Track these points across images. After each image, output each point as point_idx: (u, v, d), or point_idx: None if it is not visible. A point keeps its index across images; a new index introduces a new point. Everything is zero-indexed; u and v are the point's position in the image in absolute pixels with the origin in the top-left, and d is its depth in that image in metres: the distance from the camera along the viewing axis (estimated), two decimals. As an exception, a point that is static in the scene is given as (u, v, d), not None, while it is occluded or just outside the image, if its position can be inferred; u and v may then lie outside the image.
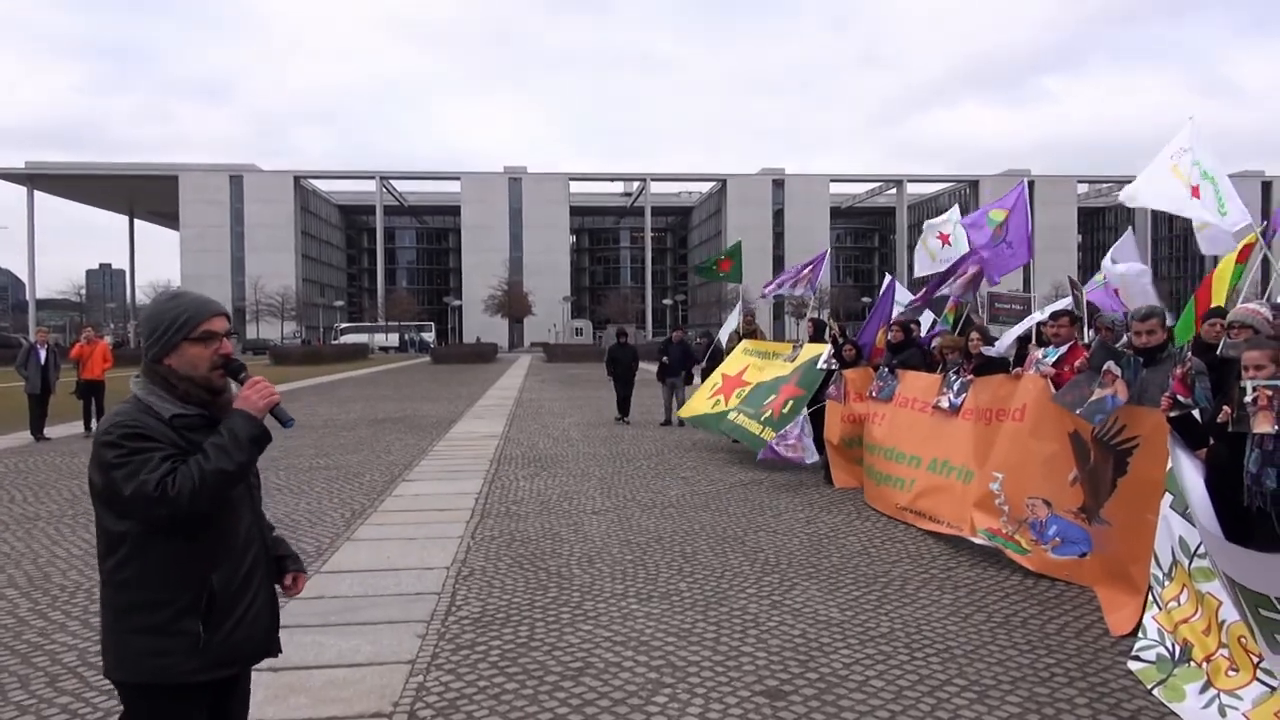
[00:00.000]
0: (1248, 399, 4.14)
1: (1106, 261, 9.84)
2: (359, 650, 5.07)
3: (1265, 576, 3.55)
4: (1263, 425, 4.08)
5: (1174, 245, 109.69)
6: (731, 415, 12.61)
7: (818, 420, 11.00)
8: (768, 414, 11.73)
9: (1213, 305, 7.41)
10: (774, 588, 6.25)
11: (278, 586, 2.77)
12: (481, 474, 11.37)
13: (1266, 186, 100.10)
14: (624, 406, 18.08)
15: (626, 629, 5.40)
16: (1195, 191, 7.34)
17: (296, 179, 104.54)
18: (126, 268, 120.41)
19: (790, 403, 11.41)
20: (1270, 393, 4.06)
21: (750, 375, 13.61)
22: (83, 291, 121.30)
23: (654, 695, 4.41)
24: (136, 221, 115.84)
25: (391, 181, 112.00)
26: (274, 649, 2.70)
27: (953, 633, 5.31)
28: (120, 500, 2.35)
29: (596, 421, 18.01)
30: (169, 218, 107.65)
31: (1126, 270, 9.24)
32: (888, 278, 13.42)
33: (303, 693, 4.45)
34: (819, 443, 10.75)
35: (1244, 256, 7.48)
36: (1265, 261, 7.54)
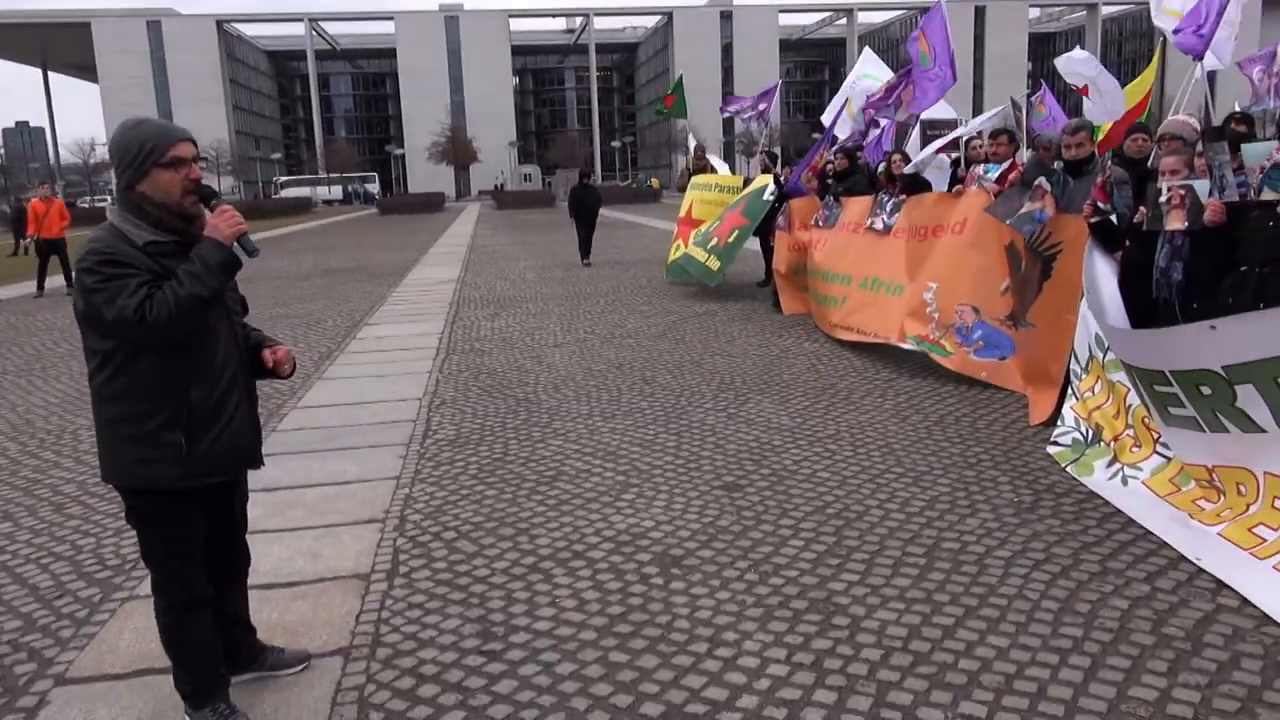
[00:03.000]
0: (1162, 199, 4.49)
1: (1062, 61, 9.91)
2: (346, 470, 5.43)
3: (1158, 352, 3.98)
4: (1174, 223, 4.45)
5: (1123, 70, 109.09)
6: (687, 249, 12.90)
7: (769, 252, 11.31)
8: (714, 242, 12.04)
9: (1136, 120, 7.69)
10: (729, 402, 6.70)
11: (269, 359, 2.90)
12: (442, 316, 11.60)
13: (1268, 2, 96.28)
14: (586, 249, 17.71)
15: (594, 442, 5.81)
16: None
17: (219, 23, 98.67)
18: (46, 125, 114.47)
19: (736, 231, 11.72)
20: (1183, 192, 4.40)
21: (699, 212, 13.81)
22: (1, 152, 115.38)
23: (622, 494, 4.85)
24: (52, 75, 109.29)
25: (322, 24, 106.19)
26: (256, 462, 2.91)
27: (893, 432, 5.81)
28: (103, 323, 2.49)
29: (551, 264, 18.15)
30: (87, 70, 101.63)
31: (1087, 67, 9.39)
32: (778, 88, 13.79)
33: (299, 507, 4.82)
34: (768, 272, 11.10)
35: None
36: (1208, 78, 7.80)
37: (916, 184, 8.69)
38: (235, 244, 2.64)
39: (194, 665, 2.79)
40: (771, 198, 11.42)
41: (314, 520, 4.64)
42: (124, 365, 2.57)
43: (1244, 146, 4.56)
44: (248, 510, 3.07)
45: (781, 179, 11.74)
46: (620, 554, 4.06)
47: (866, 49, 13.01)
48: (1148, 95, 7.53)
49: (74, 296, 2.58)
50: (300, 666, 3.17)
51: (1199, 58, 7.32)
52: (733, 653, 3.19)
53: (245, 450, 2.83)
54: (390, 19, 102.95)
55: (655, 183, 70.97)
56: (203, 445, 2.65)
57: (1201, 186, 4.37)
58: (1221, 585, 3.53)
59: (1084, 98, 9.62)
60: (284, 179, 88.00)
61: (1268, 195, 3.95)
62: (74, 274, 2.55)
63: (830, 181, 10.50)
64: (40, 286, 15.47)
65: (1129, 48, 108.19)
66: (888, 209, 8.36)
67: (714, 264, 11.90)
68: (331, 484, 5.19)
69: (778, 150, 20.04)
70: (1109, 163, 5.52)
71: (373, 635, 3.42)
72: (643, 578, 3.82)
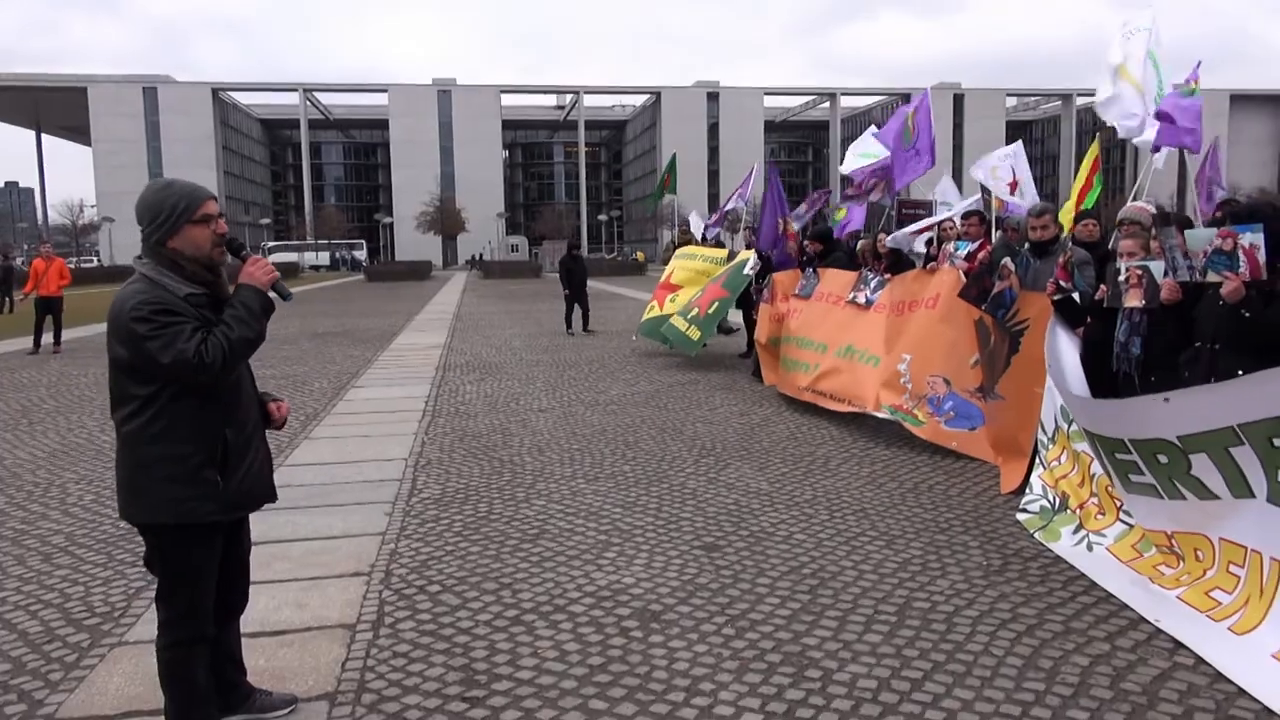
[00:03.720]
0: (1121, 279, 4.75)
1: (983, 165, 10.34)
2: (332, 526, 5.52)
3: (1118, 422, 4.19)
4: (1132, 300, 4.71)
5: (1102, 158, 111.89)
6: (669, 320, 13.20)
7: (752, 325, 11.59)
8: (694, 312, 12.36)
9: (1080, 209, 8.07)
10: (710, 467, 6.85)
11: (275, 411, 3.18)
12: (429, 380, 11.75)
13: (1235, 99, 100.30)
14: (571, 318, 17.87)
15: (577, 503, 5.94)
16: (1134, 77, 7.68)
17: (214, 91, 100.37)
18: (36, 186, 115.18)
19: (716, 303, 12.03)
20: (1140, 272, 4.68)
21: (678, 278, 14.21)
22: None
23: (604, 552, 4.97)
24: (44, 137, 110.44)
25: (315, 94, 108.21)
26: (273, 495, 3.14)
27: (868, 497, 5.97)
28: (157, 368, 2.68)
29: (538, 333, 18.38)
30: (79, 133, 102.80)
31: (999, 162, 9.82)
32: (757, 168, 14.30)
33: (285, 560, 4.90)
34: (750, 343, 11.37)
35: (1095, 170, 8.26)
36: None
37: (900, 263, 9.01)
38: (270, 290, 2.90)
39: (190, 703, 2.87)
40: (752, 272, 11.75)
41: (300, 573, 4.72)
42: (166, 408, 2.74)
43: (1188, 232, 4.84)
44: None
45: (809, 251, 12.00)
46: (601, 608, 4.17)
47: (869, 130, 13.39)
48: (1087, 184, 8.02)
49: (112, 346, 2.74)
50: (287, 709, 3.25)
51: (1154, 149, 7.70)
52: (709, 702, 3.29)
53: (266, 484, 3.06)
54: (384, 91, 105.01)
55: (641, 256, 71.86)
56: (235, 481, 2.86)
57: (1157, 267, 4.64)
58: (1179, 645, 3.68)
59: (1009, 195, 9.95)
60: (272, 243, 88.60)
61: (1212, 278, 4.21)
62: (119, 325, 2.70)
63: (807, 257, 10.86)
64: (37, 343, 15.53)
65: (1103, 137, 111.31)
66: (872, 285, 8.65)
67: (694, 334, 12.19)
68: (318, 539, 5.28)
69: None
70: (1070, 245, 5.81)
71: (358, 681, 3.51)
72: (623, 631, 3.92)
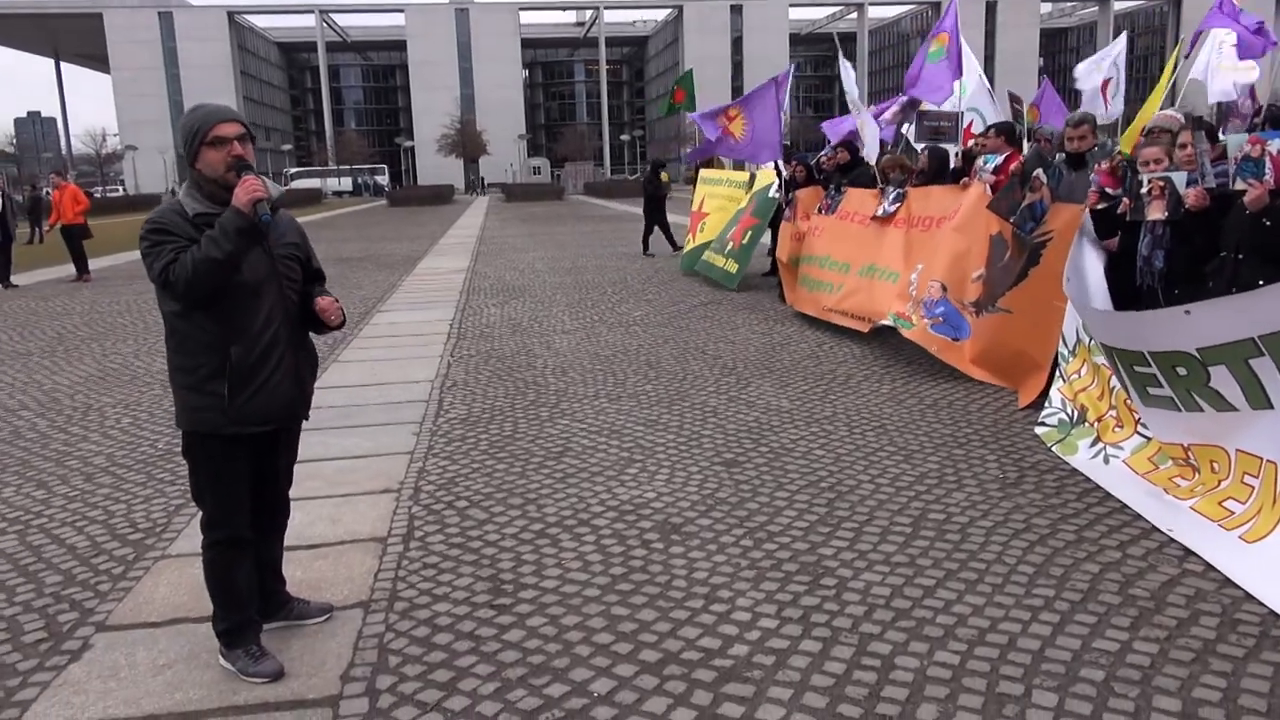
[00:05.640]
0: (1144, 190, 4.68)
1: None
2: (361, 446, 5.67)
3: (1137, 335, 4.18)
4: (1155, 213, 4.64)
5: (1134, 68, 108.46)
6: (705, 254, 13.23)
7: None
8: (730, 246, 12.34)
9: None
10: (731, 386, 6.92)
11: (318, 304, 3.14)
12: (453, 303, 11.84)
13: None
14: (668, 236, 17.47)
15: (600, 421, 6.04)
16: None
17: (230, 14, 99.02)
18: (58, 115, 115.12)
19: (749, 232, 11.99)
20: (1162, 183, 4.60)
21: (708, 205, 14.13)
22: (14, 141, 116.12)
23: (626, 468, 5.08)
24: (64, 65, 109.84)
25: (332, 16, 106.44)
26: (299, 414, 3.21)
27: (888, 414, 6.02)
28: (153, 284, 2.87)
29: (560, 256, 18.37)
30: (98, 60, 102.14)
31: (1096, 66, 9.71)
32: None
33: (317, 478, 5.05)
34: (774, 264, 11.36)
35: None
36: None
37: (941, 172, 8.81)
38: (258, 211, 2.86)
39: (231, 603, 3.04)
40: (778, 195, 11.64)
41: (332, 490, 4.88)
42: (177, 324, 2.93)
43: (1225, 136, 4.74)
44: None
45: (785, 174, 11.88)
46: (623, 521, 4.29)
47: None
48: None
49: None
50: (324, 617, 3.41)
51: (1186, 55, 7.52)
52: (726, 608, 3.41)
53: (285, 405, 3.09)
54: (400, 11, 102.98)
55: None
56: (243, 397, 2.95)
57: (1179, 178, 4.56)
58: (1189, 553, 3.75)
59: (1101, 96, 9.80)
60: (294, 170, 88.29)
61: (1240, 185, 4.14)
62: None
63: (826, 174, 10.74)
64: (79, 269, 15.83)
65: (1141, 43, 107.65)
66: (890, 197, 8.57)
67: (732, 267, 12.19)
68: (348, 458, 5.43)
69: (786, 142, 20.17)
70: (1116, 148, 5.64)
71: (390, 591, 3.66)
72: (644, 543, 4.04)
